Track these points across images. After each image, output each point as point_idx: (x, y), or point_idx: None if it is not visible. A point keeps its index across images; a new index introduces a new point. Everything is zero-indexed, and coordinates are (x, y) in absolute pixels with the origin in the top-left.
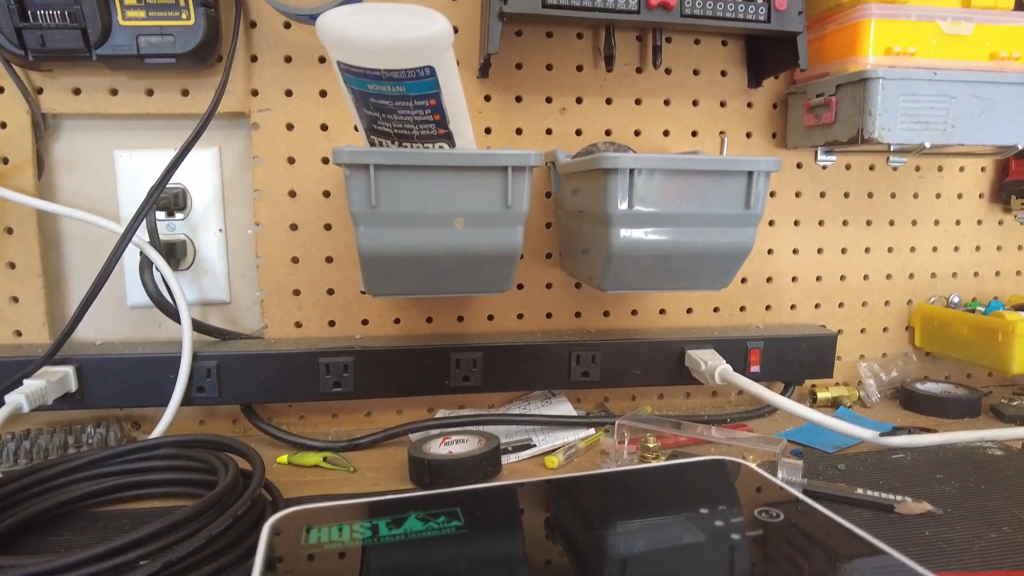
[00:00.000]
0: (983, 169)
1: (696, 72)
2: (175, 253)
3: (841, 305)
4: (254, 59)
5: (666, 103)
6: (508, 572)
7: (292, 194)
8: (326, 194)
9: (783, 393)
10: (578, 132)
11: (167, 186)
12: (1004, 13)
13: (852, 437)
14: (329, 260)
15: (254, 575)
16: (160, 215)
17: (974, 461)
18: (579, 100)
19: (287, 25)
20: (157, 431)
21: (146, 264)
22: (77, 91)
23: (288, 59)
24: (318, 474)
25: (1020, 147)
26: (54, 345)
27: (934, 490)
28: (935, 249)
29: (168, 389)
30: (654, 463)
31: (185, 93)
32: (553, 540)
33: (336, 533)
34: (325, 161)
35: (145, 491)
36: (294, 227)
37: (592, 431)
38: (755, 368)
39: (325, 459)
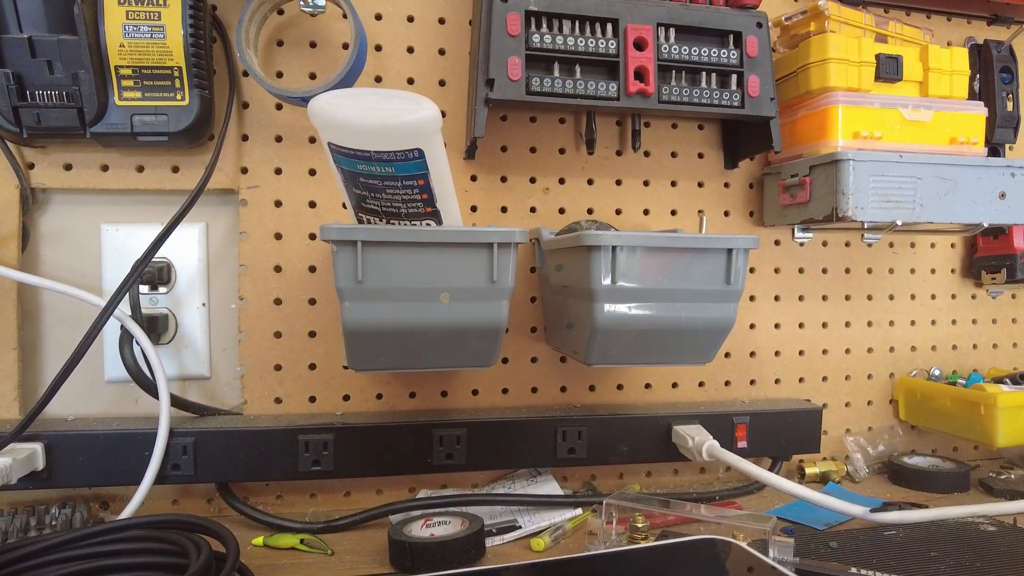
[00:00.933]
0: (953, 245)
1: (674, 154)
2: (156, 327)
3: (825, 379)
4: (245, 138)
5: (645, 183)
6: None
7: (278, 269)
8: (312, 269)
9: (771, 469)
10: (561, 211)
11: (152, 260)
12: (959, 102)
13: (843, 514)
14: (312, 335)
15: None
16: (143, 288)
17: (967, 537)
18: (562, 180)
19: (279, 106)
20: (127, 511)
21: (126, 338)
22: (68, 167)
23: (279, 139)
24: (295, 557)
25: (985, 225)
26: (23, 421)
27: (930, 568)
28: (913, 323)
29: (141, 467)
30: (643, 544)
31: (175, 170)
32: None
33: None
34: (312, 237)
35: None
36: (278, 302)
37: (579, 511)
38: (742, 443)
39: (302, 541)
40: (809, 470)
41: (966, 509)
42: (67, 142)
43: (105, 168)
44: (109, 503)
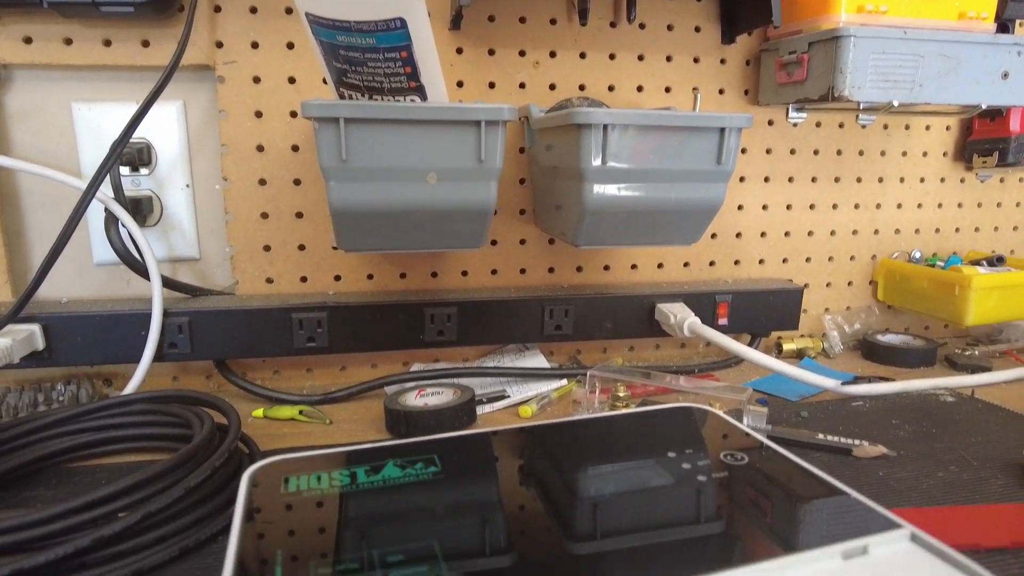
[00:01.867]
0: (948, 128)
1: (670, 27)
2: (141, 209)
3: (808, 260)
4: (218, 9)
5: (640, 58)
6: (483, 516)
7: (260, 148)
8: (295, 148)
9: (750, 344)
10: (552, 87)
11: (130, 141)
12: None
13: (815, 386)
14: (299, 215)
15: (234, 525)
16: (124, 170)
17: (927, 407)
18: (553, 54)
19: None
20: (130, 387)
21: (112, 221)
22: (28, 40)
23: (254, 10)
24: (294, 427)
25: (984, 107)
26: (18, 303)
27: (889, 434)
28: (899, 206)
29: (139, 346)
30: (624, 411)
31: (146, 44)
32: (527, 485)
33: (315, 481)
34: (293, 115)
35: (120, 446)
36: (263, 182)
37: (564, 382)
38: (723, 321)
39: (301, 412)
40: (786, 346)
41: (929, 382)
42: (26, 12)
43: (69, 42)
44: (112, 380)
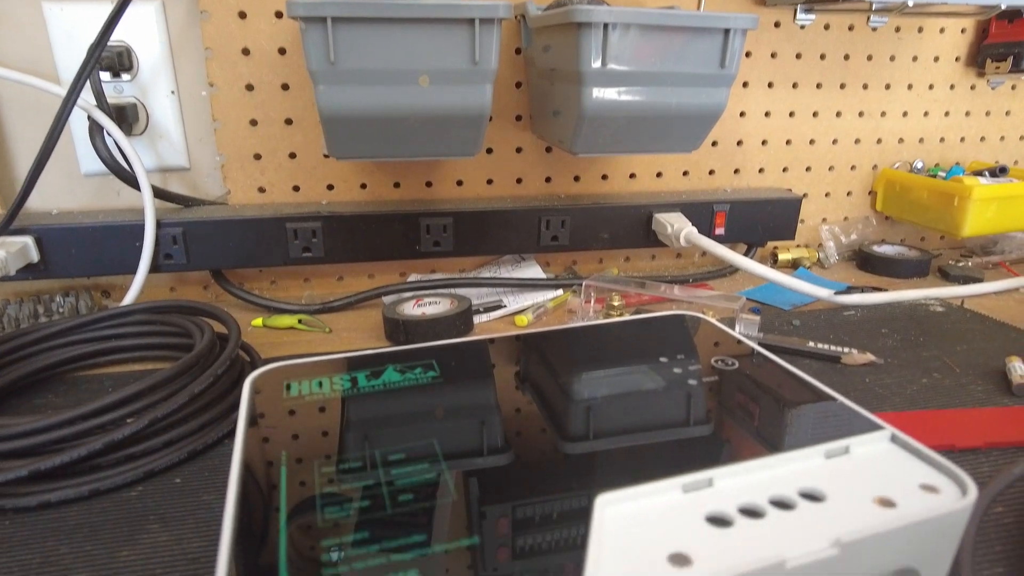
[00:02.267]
0: (963, 31)
1: None
2: (126, 117)
3: (808, 169)
4: None
5: None
6: (481, 419)
7: (246, 52)
8: (282, 51)
9: (745, 254)
10: None
11: (109, 44)
12: None
13: (808, 295)
14: (289, 122)
15: (238, 430)
16: (105, 76)
17: (917, 317)
18: None
19: None
20: (128, 299)
21: (96, 129)
22: None
23: None
24: (294, 335)
25: (1003, 7)
26: (8, 214)
27: (878, 343)
28: (905, 114)
29: (134, 257)
30: (617, 319)
31: None
32: (522, 390)
33: (316, 386)
34: (279, 15)
35: (123, 355)
36: (250, 88)
37: (560, 292)
38: (720, 230)
39: (300, 321)
40: (782, 256)
41: (920, 292)
42: None
43: None
44: (110, 292)
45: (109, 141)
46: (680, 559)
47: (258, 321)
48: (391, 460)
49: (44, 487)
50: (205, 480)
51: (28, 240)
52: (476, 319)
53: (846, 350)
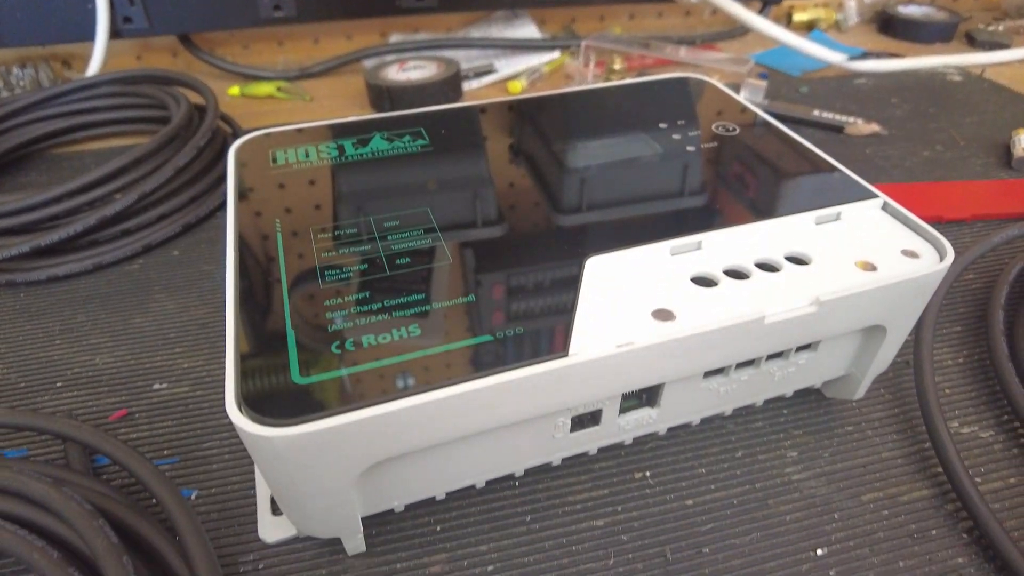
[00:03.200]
0: None
1: None
2: None
3: None
4: None
5: None
6: (474, 190)
7: None
8: None
9: (759, 13)
10: None
11: None
12: None
13: (820, 60)
14: None
15: (228, 198)
16: None
17: (932, 86)
18: None
19: None
20: (91, 69)
21: None
22: None
23: None
24: (274, 104)
25: None
26: None
27: (886, 113)
28: None
29: (89, 20)
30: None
31: None
32: (515, 159)
33: (303, 155)
34: None
35: (98, 131)
36: None
37: (557, 54)
38: None
39: (279, 89)
40: (797, 16)
41: (938, 59)
42: None
43: None
44: (70, 62)
45: None
46: (664, 314)
47: (234, 90)
48: (386, 227)
49: (49, 262)
50: (203, 252)
51: None
52: (465, 85)
53: (851, 120)
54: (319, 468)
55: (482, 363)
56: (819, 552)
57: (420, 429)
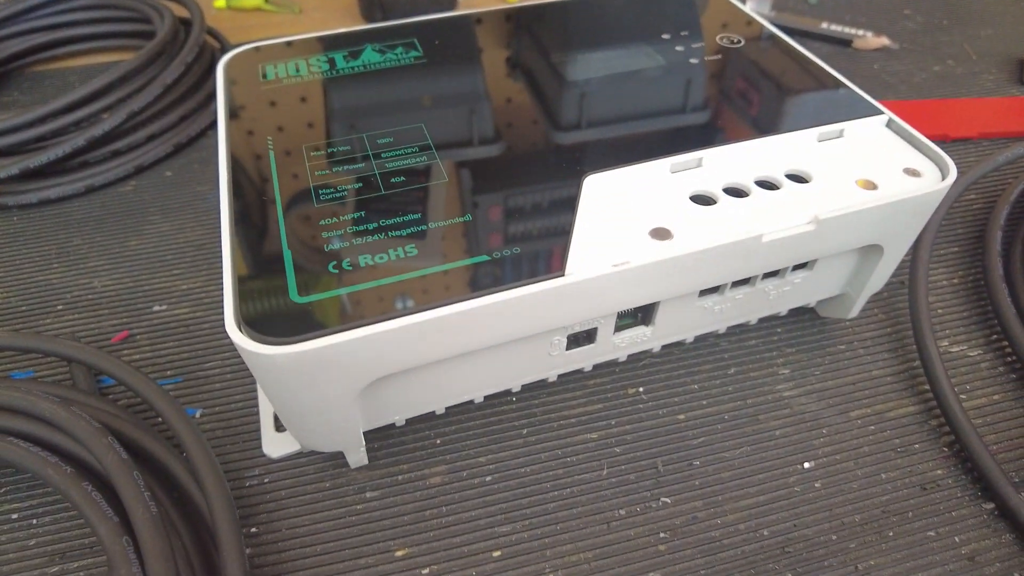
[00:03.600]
0: None
1: None
2: None
3: None
4: None
5: None
6: (470, 107)
7: None
8: None
9: None
10: None
11: None
12: None
13: None
14: None
15: (219, 113)
16: None
17: None
18: None
19: None
20: None
21: None
22: None
23: None
24: (262, 17)
25: None
26: None
27: (897, 26)
28: None
29: None
30: None
31: None
32: (513, 77)
33: (293, 69)
34: None
35: (80, 46)
36: None
37: None
38: None
39: (267, 1)
40: None
41: None
42: None
43: None
44: None
45: None
46: (661, 233)
47: (220, 2)
48: (380, 144)
49: (40, 184)
50: (195, 172)
51: None
52: None
53: (860, 33)
54: (319, 385)
55: (478, 283)
56: (806, 465)
57: (417, 348)
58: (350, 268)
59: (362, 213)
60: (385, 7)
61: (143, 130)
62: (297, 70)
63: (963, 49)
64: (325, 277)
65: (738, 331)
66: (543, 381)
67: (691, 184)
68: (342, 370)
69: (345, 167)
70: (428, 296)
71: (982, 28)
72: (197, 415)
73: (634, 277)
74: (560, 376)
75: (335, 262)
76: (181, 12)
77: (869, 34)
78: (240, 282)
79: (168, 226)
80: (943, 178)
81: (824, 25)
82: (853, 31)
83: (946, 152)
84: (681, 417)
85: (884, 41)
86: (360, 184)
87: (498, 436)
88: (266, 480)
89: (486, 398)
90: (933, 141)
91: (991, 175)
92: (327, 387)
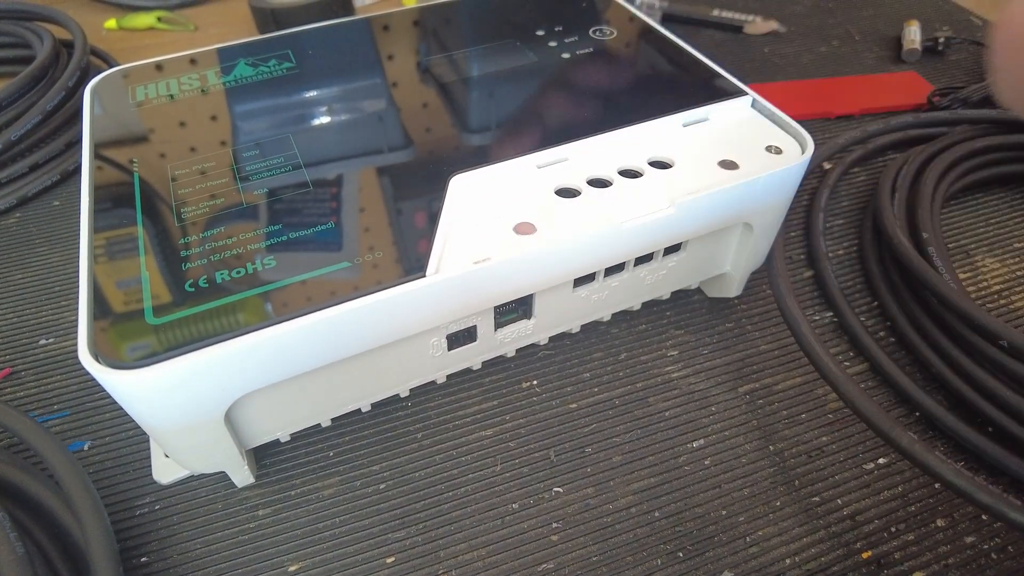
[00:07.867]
0: None
1: None
2: None
3: None
4: None
5: None
6: (335, 115)
7: None
8: None
9: None
10: None
11: None
12: None
13: None
14: None
15: (83, 143)
16: None
17: None
18: None
19: None
20: None
21: None
22: None
23: None
24: (155, 37)
25: None
26: None
27: (786, 10)
28: None
29: None
30: None
31: None
32: (382, 83)
33: (164, 89)
34: None
35: None
36: None
37: None
38: None
39: (160, 20)
40: None
41: None
42: None
43: None
44: None
45: None
46: (524, 227)
47: (111, 23)
48: (246, 157)
49: None
50: None
51: None
52: (358, 1)
53: (751, 18)
54: (181, 408)
55: (338, 290)
56: (695, 444)
57: (278, 361)
58: (206, 285)
59: (221, 228)
60: (279, 21)
61: (25, 159)
62: (168, 89)
63: (847, 30)
64: (181, 297)
65: (627, 317)
66: (436, 384)
67: (557, 179)
68: (202, 390)
69: (208, 183)
70: (286, 308)
71: (864, 9)
72: (85, 447)
73: (498, 273)
74: (453, 377)
75: (191, 280)
76: (64, 35)
77: (759, 19)
78: (96, 309)
79: (57, 257)
80: (802, 152)
81: (716, 12)
82: (744, 17)
83: (831, 129)
84: (573, 406)
85: (773, 25)
86: (222, 199)
87: (392, 442)
88: (156, 507)
89: (375, 405)
90: (816, 119)
91: (872, 151)
92: (190, 409)
